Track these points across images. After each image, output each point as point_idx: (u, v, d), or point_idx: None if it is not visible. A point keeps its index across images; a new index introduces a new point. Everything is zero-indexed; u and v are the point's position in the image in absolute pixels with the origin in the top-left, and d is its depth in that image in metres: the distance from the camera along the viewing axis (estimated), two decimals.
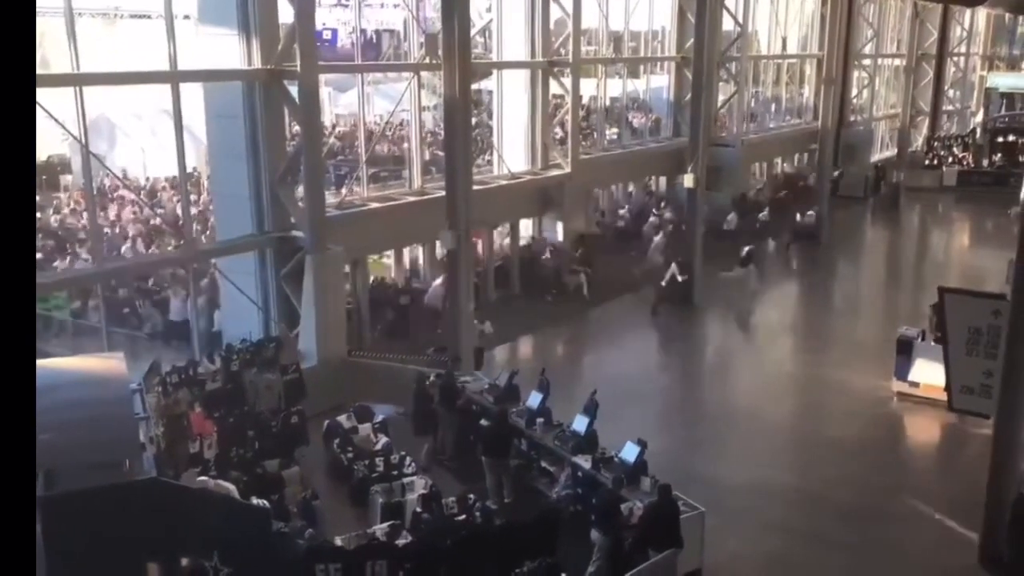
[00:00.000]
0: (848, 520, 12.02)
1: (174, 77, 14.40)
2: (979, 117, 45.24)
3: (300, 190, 15.96)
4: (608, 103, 28.04)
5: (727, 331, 21.55)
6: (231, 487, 10.09)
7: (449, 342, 16.19)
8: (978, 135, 41.97)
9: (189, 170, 23.65)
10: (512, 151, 22.96)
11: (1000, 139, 39.95)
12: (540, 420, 12.91)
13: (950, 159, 39.52)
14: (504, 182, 22.16)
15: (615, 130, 28.68)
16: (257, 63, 15.31)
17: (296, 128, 16.18)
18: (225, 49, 15.41)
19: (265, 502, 10.01)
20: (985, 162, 39.30)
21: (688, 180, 22.08)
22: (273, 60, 15.24)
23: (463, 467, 13.12)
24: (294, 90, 15.24)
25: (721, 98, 29.79)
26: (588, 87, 26.60)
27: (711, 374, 18.74)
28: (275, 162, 15.80)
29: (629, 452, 11.38)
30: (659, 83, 30.11)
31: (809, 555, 11.28)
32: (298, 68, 14.86)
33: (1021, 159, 37.94)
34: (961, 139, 41.22)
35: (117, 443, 8.43)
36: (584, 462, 11.70)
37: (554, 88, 23.31)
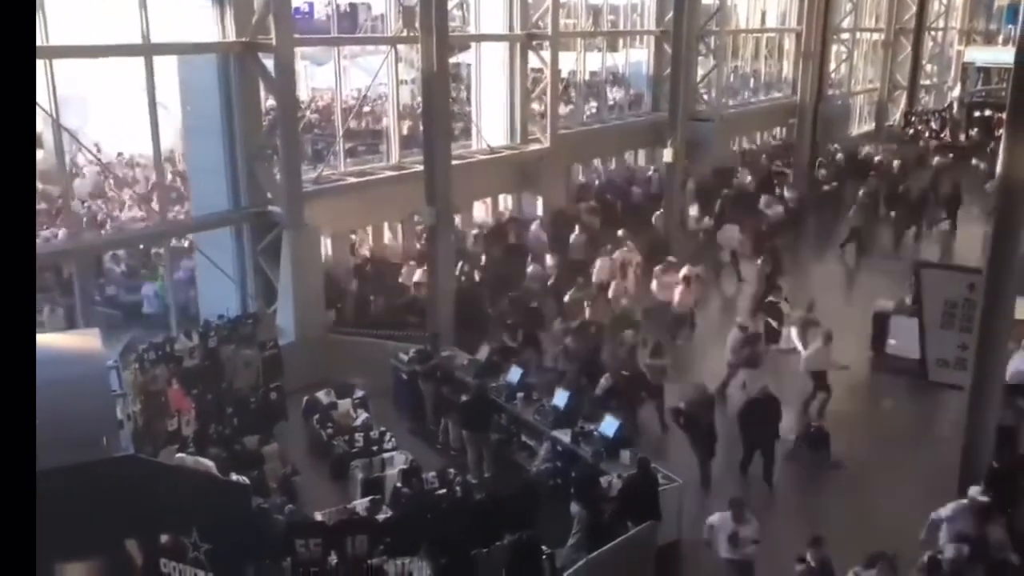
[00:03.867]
0: (824, 492, 12.17)
1: (146, 50, 14.17)
2: (956, 92, 45.39)
3: (276, 165, 15.81)
4: (588, 77, 27.87)
5: None
6: (210, 464, 10.05)
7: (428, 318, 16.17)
8: (955, 110, 42.16)
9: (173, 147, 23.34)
10: (491, 125, 22.82)
11: (977, 113, 40.21)
12: (520, 395, 12.96)
13: (927, 134, 39.70)
14: (483, 157, 22.05)
15: (594, 104, 28.52)
16: (232, 36, 15.09)
17: (272, 102, 15.98)
18: (199, 21, 15.16)
19: (244, 478, 9.99)
20: (962, 136, 39.51)
21: (667, 155, 22.14)
22: (248, 33, 15.02)
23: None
24: (270, 64, 15.04)
25: (700, 72, 29.69)
26: (567, 61, 26.41)
27: None
28: (251, 137, 15.63)
29: (608, 426, 11.46)
30: (638, 57, 29.94)
31: (785, 528, 11.41)
32: (273, 41, 14.66)
33: (997, 133, 38.17)
34: (938, 114, 41.41)
35: (94, 420, 8.34)
36: (564, 436, 11.77)
37: (533, 62, 23.13)
